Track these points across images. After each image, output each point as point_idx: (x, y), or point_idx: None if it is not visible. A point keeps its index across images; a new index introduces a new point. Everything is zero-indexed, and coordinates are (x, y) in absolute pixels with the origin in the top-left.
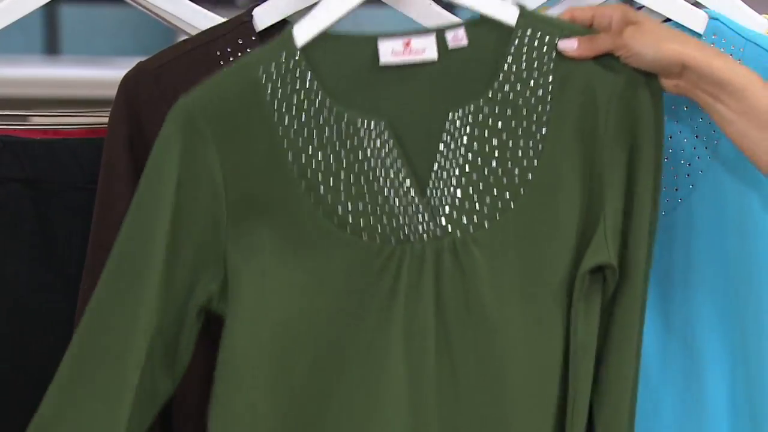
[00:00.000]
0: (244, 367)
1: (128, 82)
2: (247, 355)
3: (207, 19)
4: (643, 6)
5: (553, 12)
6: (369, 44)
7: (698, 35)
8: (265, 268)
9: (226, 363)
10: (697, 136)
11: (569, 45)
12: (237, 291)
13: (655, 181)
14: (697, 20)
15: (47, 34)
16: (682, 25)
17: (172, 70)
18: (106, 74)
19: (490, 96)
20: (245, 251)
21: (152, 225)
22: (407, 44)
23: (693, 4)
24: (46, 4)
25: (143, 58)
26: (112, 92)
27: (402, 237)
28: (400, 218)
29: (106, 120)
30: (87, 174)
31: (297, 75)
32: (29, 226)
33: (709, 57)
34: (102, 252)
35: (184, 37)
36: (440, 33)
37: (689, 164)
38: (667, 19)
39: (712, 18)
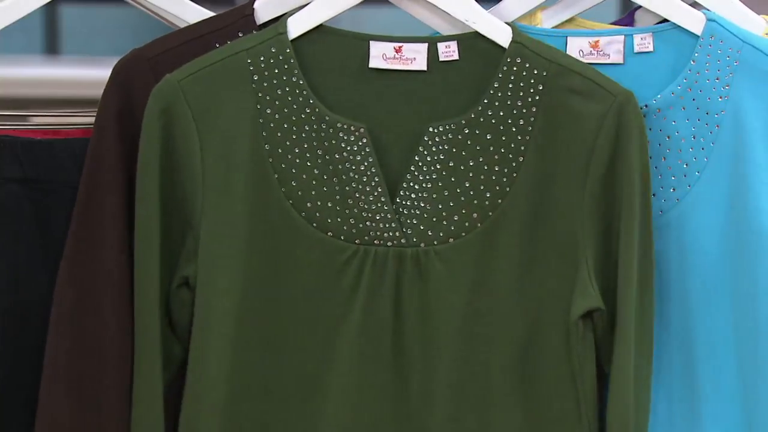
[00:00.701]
0: (207, 352)
1: (122, 69)
2: (209, 339)
3: None
4: (641, 6)
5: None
6: (360, 44)
7: (696, 36)
8: (233, 253)
9: (193, 343)
10: (694, 137)
11: None
12: (204, 275)
13: (642, 222)
14: (694, 21)
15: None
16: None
17: (169, 60)
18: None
19: (472, 116)
20: (217, 235)
21: (147, 209)
22: (398, 50)
23: (691, 5)
24: (47, 4)
25: None
26: None
27: (366, 239)
28: (368, 222)
29: None
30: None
31: (284, 68)
32: (29, 226)
33: None
34: (84, 244)
35: None
36: (433, 43)
37: (686, 165)
38: (665, 20)
39: (710, 19)
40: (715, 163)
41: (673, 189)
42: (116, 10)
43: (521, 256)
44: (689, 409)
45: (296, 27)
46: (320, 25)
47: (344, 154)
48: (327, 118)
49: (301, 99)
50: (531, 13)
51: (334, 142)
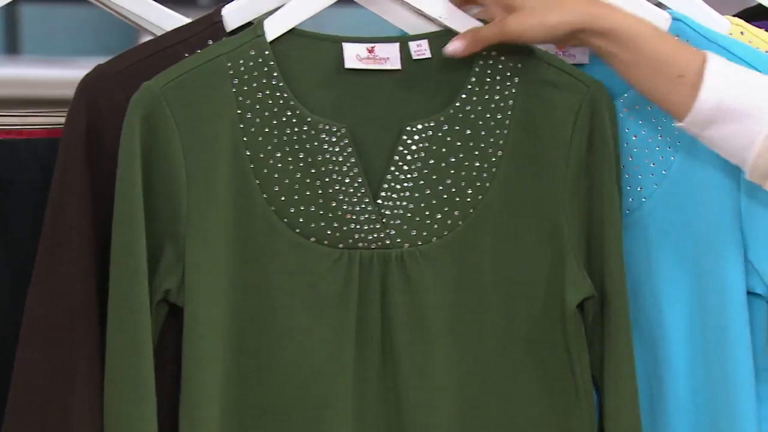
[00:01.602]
0: (200, 363)
1: (87, 86)
2: (200, 347)
3: (171, 19)
4: None
5: None
6: (334, 46)
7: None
8: (220, 263)
9: (185, 356)
10: (660, 136)
11: (454, 47)
12: (191, 284)
13: (617, 208)
14: (660, 21)
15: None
16: None
17: (137, 74)
18: (68, 74)
19: (450, 113)
20: (203, 244)
21: (131, 220)
22: (371, 50)
23: (656, 5)
24: (6, 4)
25: (105, 58)
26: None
27: (350, 242)
28: (351, 224)
29: None
30: (48, 174)
31: (264, 70)
32: None
33: (594, 15)
34: (52, 256)
35: (148, 37)
36: (404, 42)
37: (653, 164)
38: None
39: (675, 19)
40: (681, 162)
41: (640, 188)
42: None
43: (506, 250)
44: (658, 407)
45: (272, 29)
46: (293, 29)
47: (326, 155)
48: (309, 120)
49: (281, 102)
50: None
51: (316, 144)
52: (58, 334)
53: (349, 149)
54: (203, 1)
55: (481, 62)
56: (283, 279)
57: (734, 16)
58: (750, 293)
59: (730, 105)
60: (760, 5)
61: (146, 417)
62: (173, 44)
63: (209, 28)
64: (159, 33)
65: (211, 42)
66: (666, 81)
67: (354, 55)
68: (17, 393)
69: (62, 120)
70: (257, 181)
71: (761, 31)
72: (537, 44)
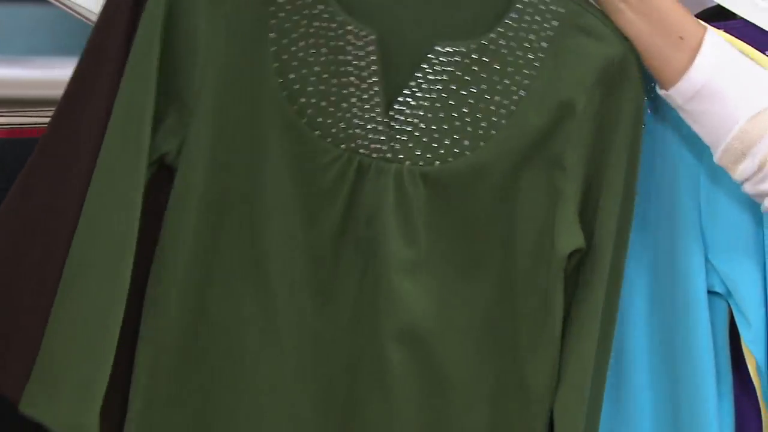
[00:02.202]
0: (180, 230)
1: None
2: (183, 215)
3: None
4: None
5: None
6: None
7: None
8: (221, 133)
9: (166, 221)
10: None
11: None
12: (189, 154)
13: (629, 171)
14: None
15: None
16: None
17: None
18: (24, 74)
19: (482, 43)
20: (207, 119)
21: (142, 74)
22: None
23: None
24: None
25: (62, 59)
26: (30, 92)
27: (353, 146)
28: (357, 129)
29: (25, 120)
30: (8, 174)
31: None
32: None
33: None
34: (68, 122)
35: None
36: None
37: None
38: None
39: None
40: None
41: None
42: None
43: (506, 188)
44: (624, 412)
45: None
46: None
47: (349, 57)
48: (339, 18)
49: None
50: None
51: (341, 43)
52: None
53: (373, 57)
54: None
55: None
56: (280, 163)
57: (696, 15)
58: (710, 292)
59: (720, 81)
60: (719, 6)
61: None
62: None
63: None
64: None
65: None
66: (666, 41)
67: None
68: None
69: (20, 120)
70: (275, 64)
71: (719, 32)
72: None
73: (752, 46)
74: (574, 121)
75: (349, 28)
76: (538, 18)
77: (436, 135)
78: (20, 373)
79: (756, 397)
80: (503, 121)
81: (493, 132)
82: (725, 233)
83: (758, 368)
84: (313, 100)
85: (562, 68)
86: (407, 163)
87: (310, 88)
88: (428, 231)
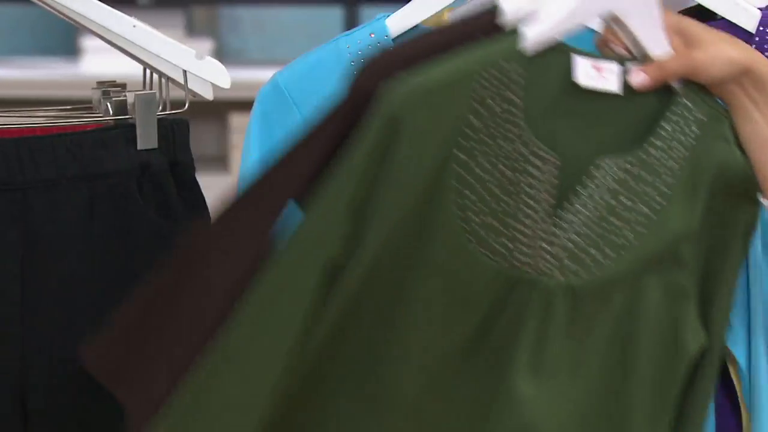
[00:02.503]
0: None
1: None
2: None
3: (114, 17)
4: None
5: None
6: (561, 56)
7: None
8: (387, 251)
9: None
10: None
11: (641, 78)
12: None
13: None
14: (594, 24)
15: None
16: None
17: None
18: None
19: (639, 155)
20: (380, 234)
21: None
22: (599, 68)
23: None
24: None
25: (44, 59)
26: (10, 92)
27: (516, 264)
28: (523, 246)
29: (5, 120)
30: None
31: (507, 81)
32: None
33: (759, 59)
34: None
35: (89, 36)
36: (622, 63)
37: None
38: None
39: None
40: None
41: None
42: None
43: (634, 291)
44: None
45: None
46: (418, 26)
47: (528, 178)
48: (527, 140)
49: (510, 115)
50: (438, 15)
51: (523, 164)
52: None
53: (554, 180)
54: (142, 1)
55: (675, 106)
56: (437, 279)
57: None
58: None
59: None
60: (699, 5)
61: None
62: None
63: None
64: (101, 32)
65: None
66: None
67: (585, 72)
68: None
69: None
70: (455, 183)
71: None
72: (714, 80)
73: None
74: (707, 229)
75: (536, 150)
76: (683, 125)
77: (587, 249)
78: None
79: (737, 397)
80: (644, 231)
81: (635, 241)
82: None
83: (739, 370)
84: (485, 219)
85: (700, 175)
86: (560, 277)
87: (485, 208)
88: (560, 342)
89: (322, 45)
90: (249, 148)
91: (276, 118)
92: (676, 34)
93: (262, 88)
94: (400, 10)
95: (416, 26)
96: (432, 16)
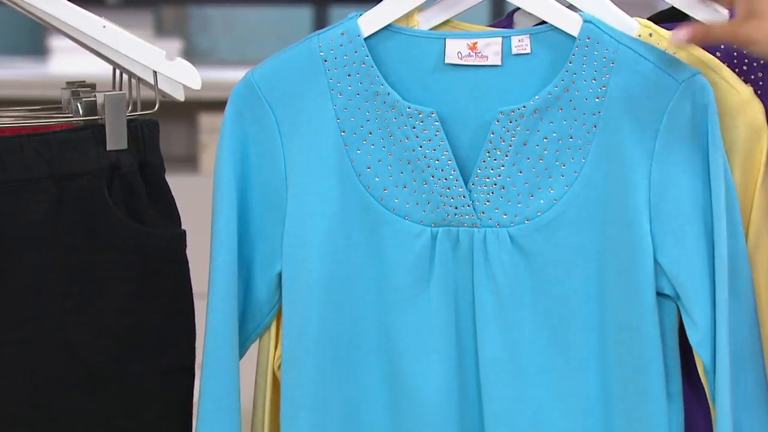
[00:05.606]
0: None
1: None
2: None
3: (83, 18)
4: (519, 8)
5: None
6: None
7: (573, 38)
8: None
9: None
10: (571, 138)
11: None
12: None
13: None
14: (571, 23)
15: None
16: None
17: None
18: None
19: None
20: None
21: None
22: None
23: (567, 7)
24: None
25: (10, 58)
26: None
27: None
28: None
29: None
30: None
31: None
32: None
33: None
34: None
35: (58, 36)
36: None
37: (564, 165)
38: (543, 22)
39: (586, 21)
40: (592, 163)
41: (551, 189)
42: None
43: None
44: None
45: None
46: (391, 25)
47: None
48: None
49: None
50: (407, 15)
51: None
52: None
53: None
54: (111, 1)
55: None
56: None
57: (649, 17)
58: (659, 294)
59: None
60: (673, 8)
61: None
62: None
63: None
64: (70, 32)
65: None
66: None
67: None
68: None
69: None
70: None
71: (670, 33)
72: (762, 57)
73: (704, 47)
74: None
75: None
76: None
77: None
78: None
79: (706, 398)
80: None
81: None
82: (673, 235)
83: (706, 370)
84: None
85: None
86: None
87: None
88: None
89: (295, 44)
90: (223, 147)
91: (249, 117)
92: (742, 3)
93: (236, 86)
94: (371, 9)
95: (388, 26)
96: (403, 15)
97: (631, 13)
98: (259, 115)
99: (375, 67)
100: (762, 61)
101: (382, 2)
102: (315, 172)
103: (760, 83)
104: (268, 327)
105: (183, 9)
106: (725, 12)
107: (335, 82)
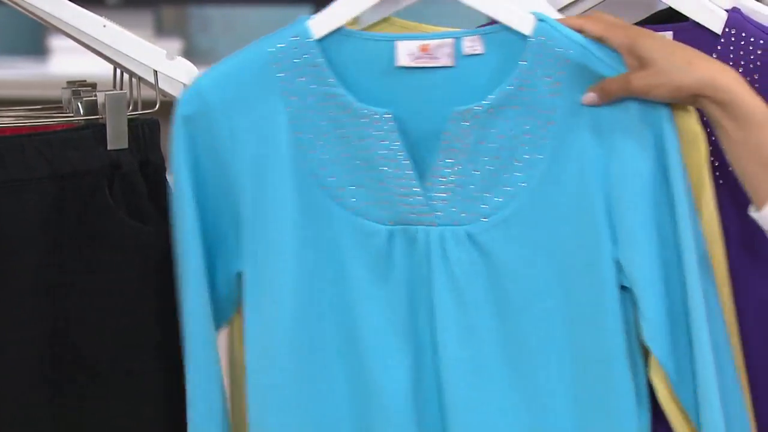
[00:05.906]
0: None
1: None
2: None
3: (83, 18)
4: None
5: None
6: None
7: (525, 37)
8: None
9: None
10: (527, 135)
11: (590, 98)
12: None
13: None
14: (524, 22)
15: None
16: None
17: None
18: None
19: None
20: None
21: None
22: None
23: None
24: None
25: (10, 58)
26: None
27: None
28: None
29: None
30: None
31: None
32: None
33: (717, 85)
34: None
35: (59, 36)
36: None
37: (521, 163)
38: (494, 22)
39: (539, 20)
40: (548, 160)
41: (508, 186)
42: None
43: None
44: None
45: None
46: (342, 28)
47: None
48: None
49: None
50: (356, 18)
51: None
52: None
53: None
54: (111, 1)
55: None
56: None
57: (648, 17)
58: (624, 288)
59: None
60: (671, 9)
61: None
62: None
63: None
64: (71, 32)
65: None
66: (760, 168)
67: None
68: None
69: None
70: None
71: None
72: (662, 101)
73: (701, 48)
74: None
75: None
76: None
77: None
78: None
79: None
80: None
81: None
82: (625, 228)
83: (661, 364)
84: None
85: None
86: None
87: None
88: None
89: (243, 48)
90: (176, 153)
91: (198, 123)
92: (629, 54)
93: (184, 92)
94: (321, 12)
95: (340, 28)
96: (353, 18)
97: (631, 13)
98: (208, 122)
99: (328, 69)
100: (759, 63)
101: (331, 4)
102: (270, 175)
103: (756, 85)
104: (230, 321)
105: (183, 9)
106: (723, 13)
107: (287, 84)
